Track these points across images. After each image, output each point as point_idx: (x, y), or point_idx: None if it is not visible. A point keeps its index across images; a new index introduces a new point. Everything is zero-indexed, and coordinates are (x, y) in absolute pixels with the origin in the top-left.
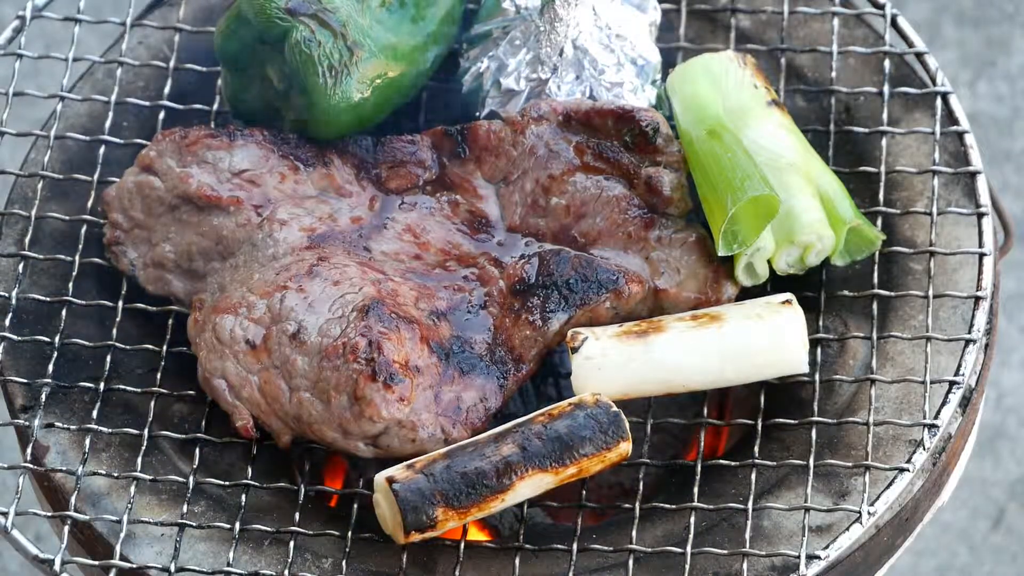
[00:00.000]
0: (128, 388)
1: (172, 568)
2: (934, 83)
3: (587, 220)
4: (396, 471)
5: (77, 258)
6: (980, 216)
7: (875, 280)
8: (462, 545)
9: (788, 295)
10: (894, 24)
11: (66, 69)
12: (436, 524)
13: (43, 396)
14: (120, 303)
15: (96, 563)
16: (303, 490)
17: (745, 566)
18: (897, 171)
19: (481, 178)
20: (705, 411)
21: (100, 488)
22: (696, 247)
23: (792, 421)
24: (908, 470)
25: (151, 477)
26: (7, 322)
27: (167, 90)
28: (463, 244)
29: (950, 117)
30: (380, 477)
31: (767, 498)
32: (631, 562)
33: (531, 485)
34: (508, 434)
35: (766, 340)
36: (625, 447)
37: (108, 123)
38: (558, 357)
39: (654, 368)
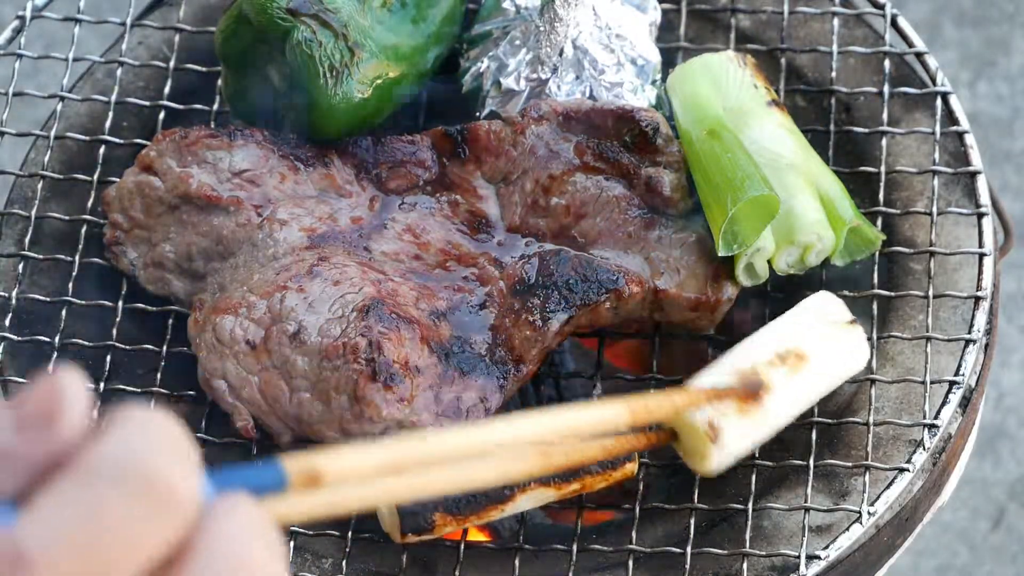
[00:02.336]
0: (128, 388)
1: None
2: (934, 83)
3: (587, 220)
4: None
5: (77, 258)
6: (980, 216)
7: (875, 280)
8: (462, 545)
9: (848, 313)
10: (894, 24)
11: (66, 69)
12: (433, 528)
13: None
14: (120, 303)
15: None
16: None
17: (745, 566)
18: (897, 171)
19: (481, 178)
20: None
21: None
22: (696, 247)
23: (792, 421)
24: (908, 470)
25: None
26: (7, 322)
27: (167, 90)
28: (463, 244)
29: (950, 117)
30: None
31: (767, 498)
32: (631, 562)
33: (532, 498)
34: None
35: (846, 365)
36: (631, 467)
37: (108, 123)
38: (558, 357)
39: (772, 427)
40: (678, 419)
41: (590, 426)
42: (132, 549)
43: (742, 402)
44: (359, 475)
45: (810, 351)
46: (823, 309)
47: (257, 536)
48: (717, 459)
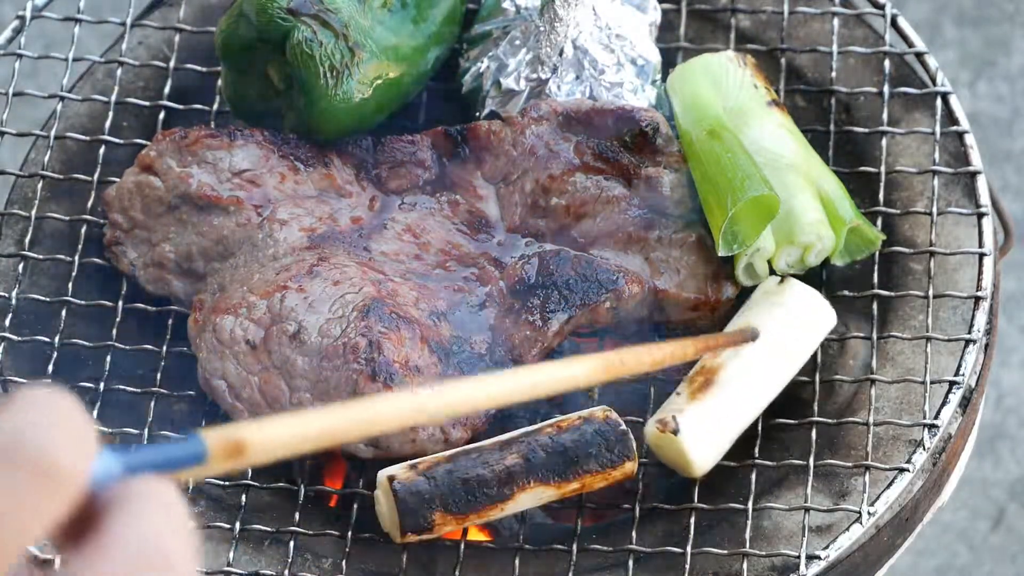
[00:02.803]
0: (128, 388)
1: None
2: (934, 83)
3: (587, 220)
4: (398, 470)
5: (77, 258)
6: (980, 216)
7: (875, 280)
8: (462, 545)
9: (775, 276)
10: (894, 24)
11: (66, 69)
12: (433, 527)
13: None
14: (120, 303)
15: None
16: (303, 490)
17: (745, 566)
18: (897, 171)
19: (481, 178)
20: None
21: None
22: (696, 247)
23: (792, 421)
24: (908, 470)
25: None
26: (7, 322)
27: (167, 90)
28: (463, 244)
29: (950, 117)
30: (382, 474)
31: (767, 498)
32: (631, 562)
33: (532, 497)
34: (513, 443)
35: (806, 320)
36: (630, 466)
37: (108, 123)
38: (558, 357)
39: (747, 403)
40: (653, 441)
41: (562, 383)
42: (15, 524)
43: (725, 346)
44: (283, 445)
45: (754, 323)
46: (761, 290)
47: (170, 522)
48: (695, 453)
